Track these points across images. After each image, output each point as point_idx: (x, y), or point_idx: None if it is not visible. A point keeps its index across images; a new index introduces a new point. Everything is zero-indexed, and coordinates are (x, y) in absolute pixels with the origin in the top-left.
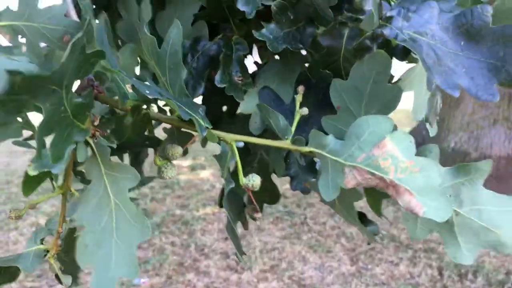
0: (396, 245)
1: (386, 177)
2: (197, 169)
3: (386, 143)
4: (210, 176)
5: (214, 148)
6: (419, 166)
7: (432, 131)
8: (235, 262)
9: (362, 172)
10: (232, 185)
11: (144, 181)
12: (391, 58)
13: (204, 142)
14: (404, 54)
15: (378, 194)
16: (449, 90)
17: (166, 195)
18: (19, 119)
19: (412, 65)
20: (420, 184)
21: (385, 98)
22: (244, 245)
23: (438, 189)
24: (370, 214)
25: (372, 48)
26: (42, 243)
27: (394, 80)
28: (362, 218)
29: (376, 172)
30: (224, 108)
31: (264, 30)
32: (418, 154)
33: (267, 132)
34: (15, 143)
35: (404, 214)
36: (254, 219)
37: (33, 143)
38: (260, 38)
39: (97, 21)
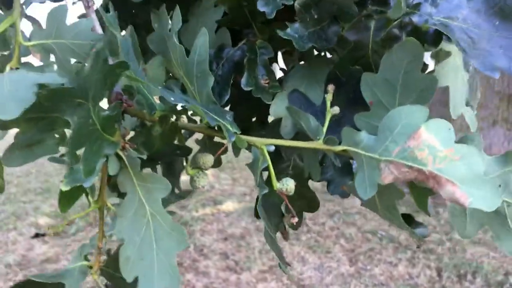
0: (395, 245)
1: (425, 169)
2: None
3: (421, 133)
4: (209, 177)
5: None
6: (460, 154)
7: (473, 124)
8: (235, 263)
9: (398, 166)
10: (266, 190)
11: (182, 195)
12: (423, 46)
13: (236, 152)
14: (436, 40)
15: (423, 190)
16: (487, 72)
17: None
18: (56, 135)
19: None
20: (463, 172)
21: (419, 88)
22: (243, 245)
23: (483, 177)
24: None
25: (401, 37)
26: (86, 259)
27: (428, 71)
28: (410, 220)
29: (413, 164)
30: (253, 119)
31: (289, 30)
32: (458, 143)
33: (299, 136)
34: (51, 159)
35: (450, 209)
36: (294, 227)
37: None
38: (285, 37)
39: (123, 33)
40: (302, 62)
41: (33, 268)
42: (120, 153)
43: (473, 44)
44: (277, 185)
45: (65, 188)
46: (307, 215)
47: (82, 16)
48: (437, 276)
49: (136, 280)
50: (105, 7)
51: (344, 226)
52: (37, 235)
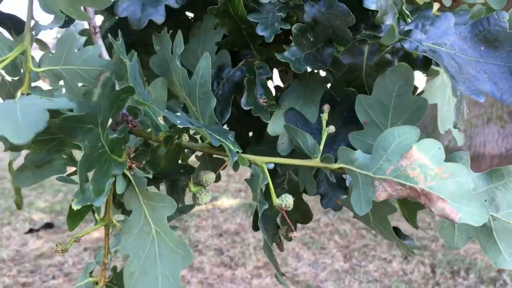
0: (389, 242)
1: (417, 186)
2: None
3: (413, 153)
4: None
5: None
6: (449, 172)
7: (459, 139)
8: (229, 259)
9: (392, 184)
10: (266, 206)
11: (183, 210)
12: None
13: (235, 167)
14: (426, 65)
15: (413, 205)
16: (473, 96)
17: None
18: (64, 156)
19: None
20: (452, 189)
21: (411, 109)
22: (238, 241)
23: (471, 194)
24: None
25: (393, 62)
26: (91, 276)
27: (418, 91)
28: (398, 232)
29: (406, 183)
30: (250, 133)
31: (286, 53)
32: (447, 161)
33: (295, 152)
34: (59, 179)
35: (439, 223)
36: (290, 239)
37: (76, 178)
38: (283, 60)
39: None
40: (297, 80)
41: (27, 264)
42: (127, 172)
43: (460, 69)
44: (276, 201)
45: (76, 207)
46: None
47: (83, 32)
48: (431, 272)
49: None
50: (105, 33)
51: (338, 222)
52: (31, 231)
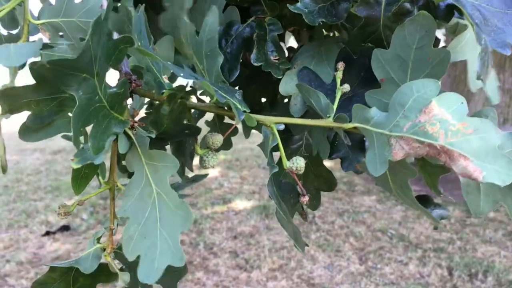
0: (405, 244)
1: (436, 143)
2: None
3: (432, 107)
4: (218, 175)
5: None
6: (473, 128)
7: (494, 98)
8: (245, 261)
9: (409, 141)
10: (276, 169)
11: (196, 179)
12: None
13: (246, 133)
14: (448, 15)
15: (434, 169)
16: (499, 49)
17: None
18: (69, 114)
19: None
20: (476, 146)
21: (432, 63)
22: (253, 244)
23: (497, 151)
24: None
25: (413, 12)
26: (99, 242)
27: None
28: (428, 201)
29: (425, 139)
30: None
31: (299, 4)
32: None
33: (309, 113)
34: (64, 137)
35: (463, 186)
36: (313, 208)
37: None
38: (295, 11)
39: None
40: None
41: (45, 266)
42: (129, 131)
43: (485, 21)
44: (287, 164)
45: (76, 166)
46: (316, 213)
47: None
48: (448, 275)
49: None
50: None
51: (353, 224)
52: (47, 233)
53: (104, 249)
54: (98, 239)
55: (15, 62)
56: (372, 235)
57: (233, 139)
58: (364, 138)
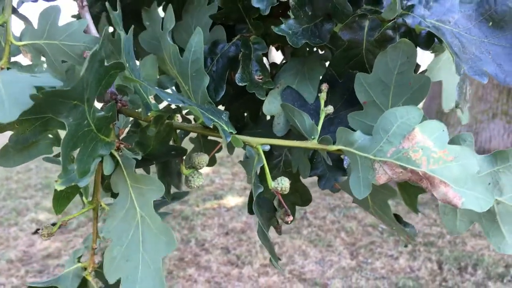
0: (395, 239)
1: (419, 170)
2: None
3: (416, 134)
4: (209, 171)
5: None
6: (453, 155)
7: (464, 118)
8: (236, 257)
9: (392, 167)
10: (261, 189)
11: (176, 196)
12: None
13: (230, 149)
14: (429, 42)
15: (413, 189)
16: (476, 77)
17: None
18: (50, 136)
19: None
20: (456, 173)
21: (413, 88)
22: (244, 240)
23: (476, 178)
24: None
25: (395, 38)
26: (79, 261)
27: (421, 70)
28: (398, 220)
29: (408, 166)
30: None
31: (283, 26)
32: (450, 143)
33: (291, 133)
34: (46, 159)
35: (441, 207)
36: (287, 222)
37: None
38: (279, 33)
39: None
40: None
41: (35, 264)
42: (115, 153)
43: (463, 49)
44: (272, 184)
45: (59, 187)
46: (307, 209)
47: (75, 16)
48: (438, 269)
49: None
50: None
51: (344, 219)
52: (38, 231)
53: (85, 269)
54: (79, 258)
55: (8, 115)
56: (363, 230)
57: None
58: (342, 157)
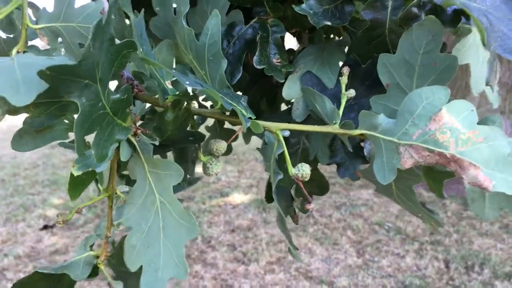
0: (402, 237)
1: (446, 152)
2: None
3: (443, 115)
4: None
5: None
6: (483, 136)
7: (495, 102)
8: (242, 254)
9: (419, 150)
10: (281, 176)
11: (192, 181)
12: None
13: (247, 138)
14: (455, 20)
15: (439, 174)
16: (505, 55)
17: None
18: (66, 121)
19: None
20: (486, 155)
21: (439, 69)
22: (251, 237)
23: (506, 159)
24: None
25: (420, 16)
26: (92, 249)
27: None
28: (423, 206)
29: (435, 148)
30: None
31: (303, 5)
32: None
33: (310, 118)
34: (61, 144)
35: (469, 193)
36: (305, 211)
37: None
38: (300, 12)
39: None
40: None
41: (43, 260)
42: (132, 138)
43: (491, 27)
44: (292, 170)
45: (76, 173)
46: (313, 207)
47: None
48: (445, 268)
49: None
50: None
51: (351, 218)
52: (45, 227)
53: (97, 257)
54: (91, 246)
55: (24, 99)
56: (369, 228)
57: None
58: (362, 144)
